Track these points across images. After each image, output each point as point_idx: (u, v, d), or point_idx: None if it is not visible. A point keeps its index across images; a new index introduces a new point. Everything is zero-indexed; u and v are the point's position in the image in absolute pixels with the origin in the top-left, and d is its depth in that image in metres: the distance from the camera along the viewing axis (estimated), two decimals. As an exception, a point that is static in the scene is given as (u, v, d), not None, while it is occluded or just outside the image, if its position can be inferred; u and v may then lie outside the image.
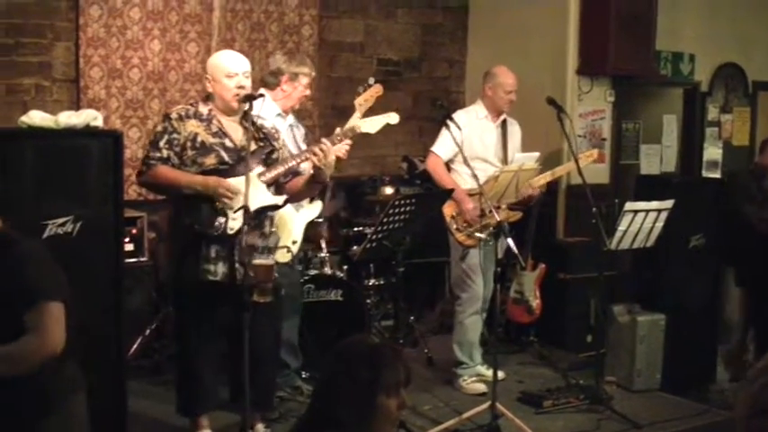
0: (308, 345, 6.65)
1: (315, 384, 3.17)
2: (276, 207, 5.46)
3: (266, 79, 6.41)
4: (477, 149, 6.92)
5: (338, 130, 5.68)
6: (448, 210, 6.78)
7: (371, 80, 7.01)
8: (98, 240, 5.20)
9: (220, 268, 5.18)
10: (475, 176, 6.23)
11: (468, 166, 6.29)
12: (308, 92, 6.57)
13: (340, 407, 2.95)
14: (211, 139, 5.25)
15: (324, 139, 5.34)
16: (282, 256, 6.10)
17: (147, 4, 7.56)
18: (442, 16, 9.33)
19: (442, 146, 6.87)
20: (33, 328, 3.65)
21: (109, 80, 7.47)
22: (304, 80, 6.43)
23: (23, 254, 3.74)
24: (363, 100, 6.18)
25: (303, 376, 6.58)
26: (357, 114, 6.07)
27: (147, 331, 7.09)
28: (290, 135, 6.38)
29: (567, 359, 7.67)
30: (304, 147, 6.26)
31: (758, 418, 2.93)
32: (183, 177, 5.17)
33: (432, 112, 8.24)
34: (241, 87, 5.23)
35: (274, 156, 5.44)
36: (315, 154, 5.20)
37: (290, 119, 6.53)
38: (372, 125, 5.68)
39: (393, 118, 5.73)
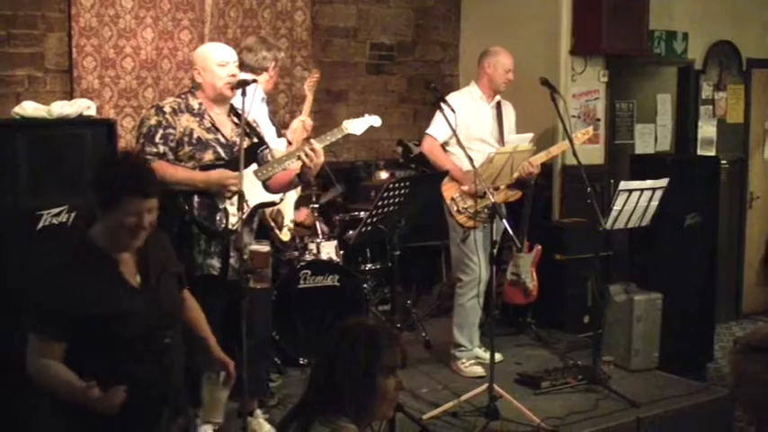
0: (304, 330, 6.67)
1: (313, 367, 3.17)
2: (273, 204, 5.49)
3: (254, 65, 6.44)
4: (473, 131, 6.92)
5: (297, 122, 5.78)
6: (448, 192, 6.77)
7: (312, 68, 7.61)
8: (93, 230, 5.20)
9: (217, 263, 5.17)
10: (469, 158, 6.23)
11: (462, 147, 6.28)
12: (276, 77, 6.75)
13: (340, 389, 2.98)
14: (207, 135, 5.18)
15: (313, 141, 5.31)
16: (285, 235, 6.31)
17: (138, -7, 7.56)
18: (435, -1, 9.34)
19: (438, 128, 6.86)
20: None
21: (102, 70, 7.45)
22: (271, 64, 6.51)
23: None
24: (311, 84, 7.03)
25: (302, 362, 6.61)
26: (309, 97, 7.06)
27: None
28: (269, 122, 6.44)
29: (564, 340, 7.69)
30: (274, 128, 6.43)
31: (744, 386, 2.99)
32: (183, 173, 5.08)
33: (426, 96, 8.24)
34: (233, 75, 5.22)
35: (265, 151, 5.43)
36: (306, 155, 5.15)
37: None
38: (357, 127, 5.75)
39: (376, 121, 5.86)
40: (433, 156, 6.94)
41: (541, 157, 7.06)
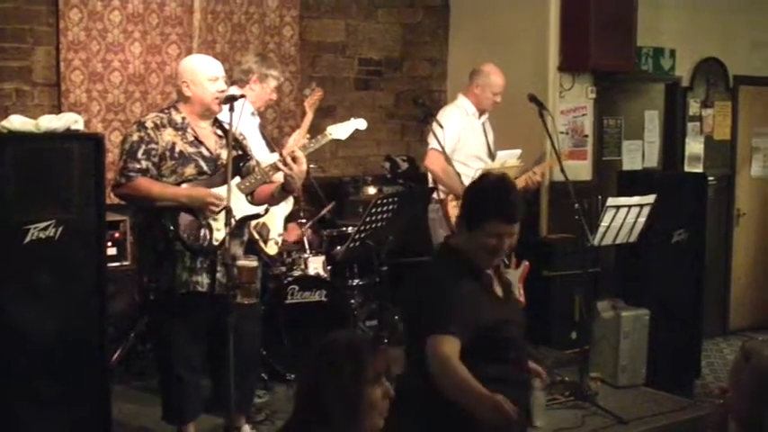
0: (292, 346, 6.66)
1: (297, 387, 3.15)
2: (258, 216, 5.47)
3: (236, 76, 6.43)
4: (470, 147, 6.97)
5: (294, 139, 5.75)
6: (453, 210, 6.73)
7: (314, 84, 7.51)
8: (81, 244, 5.18)
9: (205, 279, 5.15)
10: (458, 173, 6.24)
11: (450, 164, 6.29)
12: (274, 95, 6.68)
13: (327, 403, 2.96)
14: (189, 149, 5.17)
15: (295, 149, 5.29)
16: (271, 249, 6.30)
17: (127, 7, 7.54)
18: (423, 15, 9.33)
19: (446, 140, 6.79)
20: None
21: (90, 84, 7.45)
22: (272, 83, 6.52)
23: None
24: (312, 102, 7.00)
25: (289, 378, 6.60)
26: (309, 115, 7.00)
27: (131, 335, 7.08)
28: (259, 136, 6.44)
29: (551, 356, 7.67)
30: (264, 142, 6.43)
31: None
32: (166, 190, 5.08)
33: (414, 111, 8.24)
34: (222, 91, 5.22)
35: (249, 163, 5.40)
36: (286, 164, 5.10)
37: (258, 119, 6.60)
38: (342, 131, 5.73)
39: (361, 123, 5.82)
40: (443, 174, 6.80)
41: (545, 166, 7.14)
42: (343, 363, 2.98)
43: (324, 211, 7.43)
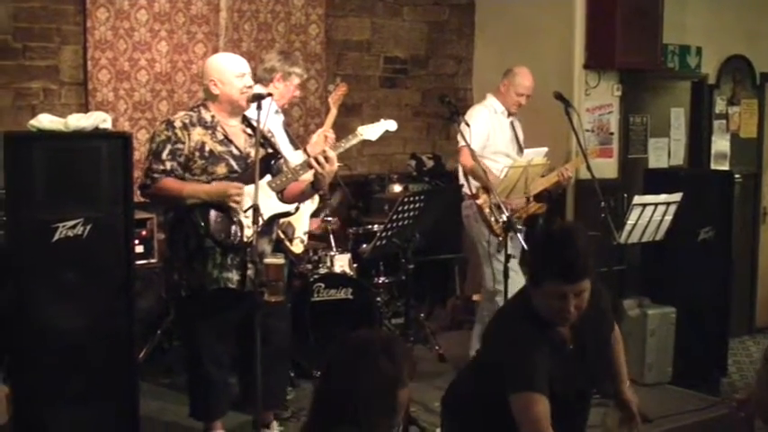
0: (318, 344, 6.68)
1: (321, 380, 3.12)
2: (288, 214, 5.48)
3: (260, 75, 6.43)
4: (499, 145, 6.98)
5: (318, 135, 5.76)
6: (485, 202, 6.72)
7: (338, 80, 7.49)
8: (109, 242, 5.21)
9: (235, 275, 5.17)
10: (484, 171, 6.26)
11: (477, 161, 6.30)
12: (297, 92, 6.67)
13: (361, 402, 2.95)
14: (219, 148, 5.20)
15: (326, 149, 5.31)
16: (297, 247, 6.33)
17: (153, 6, 7.57)
18: (449, 13, 9.34)
19: (474, 138, 6.78)
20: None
21: (117, 83, 7.48)
22: (296, 80, 6.50)
23: None
24: (336, 98, 6.93)
25: (315, 375, 6.61)
26: (333, 111, 6.93)
27: (158, 333, 7.12)
28: (283, 133, 6.45)
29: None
30: (288, 140, 6.44)
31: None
32: (189, 188, 5.10)
33: (439, 109, 8.24)
34: (249, 87, 5.24)
35: (279, 161, 5.43)
36: (318, 162, 5.14)
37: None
38: (373, 132, 5.76)
39: (392, 125, 5.85)
40: (473, 169, 6.70)
41: (575, 163, 7.18)
42: (382, 364, 2.97)
43: (336, 197, 7.42)
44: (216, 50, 7.67)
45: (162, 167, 5.12)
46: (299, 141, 6.91)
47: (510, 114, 7.15)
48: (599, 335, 3.89)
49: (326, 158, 5.12)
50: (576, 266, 3.52)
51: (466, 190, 6.90)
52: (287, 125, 6.81)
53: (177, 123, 5.20)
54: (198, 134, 5.18)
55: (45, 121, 5.20)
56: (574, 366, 3.74)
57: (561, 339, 3.72)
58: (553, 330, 3.69)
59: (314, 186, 5.28)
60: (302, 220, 6.56)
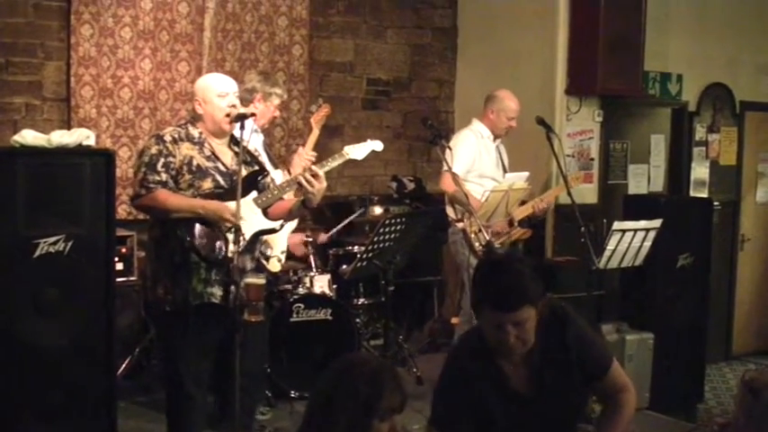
0: (296, 364, 6.68)
1: (310, 399, 3.10)
2: (273, 231, 5.48)
3: (240, 95, 6.42)
4: (486, 168, 7.02)
5: (299, 155, 5.77)
6: (471, 227, 6.75)
7: (321, 101, 7.38)
8: (90, 259, 5.22)
9: (218, 291, 5.16)
10: (465, 195, 6.28)
11: (460, 185, 6.34)
12: (277, 113, 6.69)
13: (334, 422, 2.92)
14: (206, 163, 5.18)
15: (313, 167, 5.32)
16: (273, 266, 6.32)
17: (138, 24, 7.58)
18: (432, 36, 9.37)
19: (459, 162, 6.84)
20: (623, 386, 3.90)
21: (99, 99, 7.48)
22: (276, 101, 6.52)
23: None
24: (319, 118, 6.94)
25: (293, 396, 6.61)
26: (316, 131, 6.92)
27: (137, 350, 7.10)
28: (264, 151, 6.46)
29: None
30: (267, 159, 6.40)
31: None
32: (183, 201, 5.08)
33: (421, 132, 8.27)
34: (232, 107, 5.24)
35: (267, 179, 5.44)
36: (307, 180, 5.17)
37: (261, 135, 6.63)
38: (359, 152, 5.76)
39: (378, 145, 5.84)
40: (455, 194, 6.75)
41: (554, 191, 7.21)
42: (362, 387, 2.93)
43: (340, 225, 7.47)
44: (199, 69, 7.69)
45: (158, 178, 5.08)
46: (279, 162, 6.92)
47: (496, 138, 7.20)
48: (565, 377, 3.66)
49: (315, 176, 5.14)
50: (510, 295, 3.38)
51: (451, 214, 6.93)
52: (268, 145, 6.82)
53: (167, 138, 5.18)
54: (186, 149, 5.16)
55: (28, 136, 5.20)
56: (527, 409, 3.60)
57: (503, 376, 3.59)
58: (496, 366, 3.58)
59: (304, 204, 5.29)
60: (280, 239, 6.55)
